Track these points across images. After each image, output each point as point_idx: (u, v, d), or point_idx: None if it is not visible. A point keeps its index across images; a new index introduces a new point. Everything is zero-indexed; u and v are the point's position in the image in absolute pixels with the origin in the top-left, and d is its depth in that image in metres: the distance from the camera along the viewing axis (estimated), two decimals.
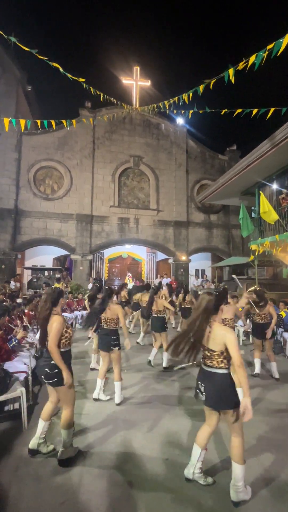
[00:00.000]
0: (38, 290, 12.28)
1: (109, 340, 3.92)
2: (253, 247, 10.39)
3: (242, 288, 6.96)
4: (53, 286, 3.86)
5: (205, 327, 2.31)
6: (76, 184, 14.47)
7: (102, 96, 7.71)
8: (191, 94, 6.31)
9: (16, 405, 3.28)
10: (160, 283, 7.40)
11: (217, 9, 37.43)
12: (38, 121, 7.19)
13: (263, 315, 5.07)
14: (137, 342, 7.14)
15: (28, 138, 14.03)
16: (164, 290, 7.89)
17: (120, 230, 14.94)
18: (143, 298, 7.06)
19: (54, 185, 14.38)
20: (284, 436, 3.16)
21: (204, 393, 2.32)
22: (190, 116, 7.05)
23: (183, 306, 7.72)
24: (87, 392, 4.22)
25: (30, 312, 6.35)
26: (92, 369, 5.21)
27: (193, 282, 15.67)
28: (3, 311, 4.13)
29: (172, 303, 7.60)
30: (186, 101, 6.55)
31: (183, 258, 15.38)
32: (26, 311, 6.17)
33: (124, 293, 8.28)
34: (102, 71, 42.50)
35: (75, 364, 4.50)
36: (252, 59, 4.67)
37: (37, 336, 2.93)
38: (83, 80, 6.53)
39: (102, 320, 4.04)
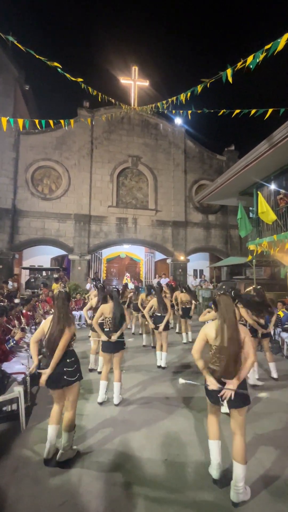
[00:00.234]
0: (36, 290, 12.21)
1: (117, 342, 3.93)
2: (251, 247, 10.41)
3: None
4: (56, 290, 3.75)
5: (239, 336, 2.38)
6: (74, 184, 14.42)
7: (100, 96, 7.70)
8: (189, 94, 6.32)
9: (14, 406, 3.26)
10: (158, 282, 7.43)
11: (216, 9, 37.55)
12: (36, 121, 7.18)
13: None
14: (144, 345, 7.09)
15: (26, 138, 13.97)
16: (165, 287, 8.05)
17: (118, 230, 14.91)
18: (143, 297, 7.09)
19: (52, 185, 14.32)
20: (284, 436, 3.17)
21: (223, 399, 2.33)
22: (189, 117, 7.05)
23: (183, 306, 7.73)
24: (85, 393, 4.20)
25: (28, 313, 6.31)
26: (91, 370, 5.19)
27: (191, 282, 15.68)
28: (1, 311, 4.12)
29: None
30: (184, 102, 6.55)
31: (181, 258, 15.39)
32: (24, 311, 6.14)
33: (127, 293, 8.41)
34: (100, 71, 42.49)
35: None
36: (250, 59, 4.68)
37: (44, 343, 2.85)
38: (81, 80, 6.53)
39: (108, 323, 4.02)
